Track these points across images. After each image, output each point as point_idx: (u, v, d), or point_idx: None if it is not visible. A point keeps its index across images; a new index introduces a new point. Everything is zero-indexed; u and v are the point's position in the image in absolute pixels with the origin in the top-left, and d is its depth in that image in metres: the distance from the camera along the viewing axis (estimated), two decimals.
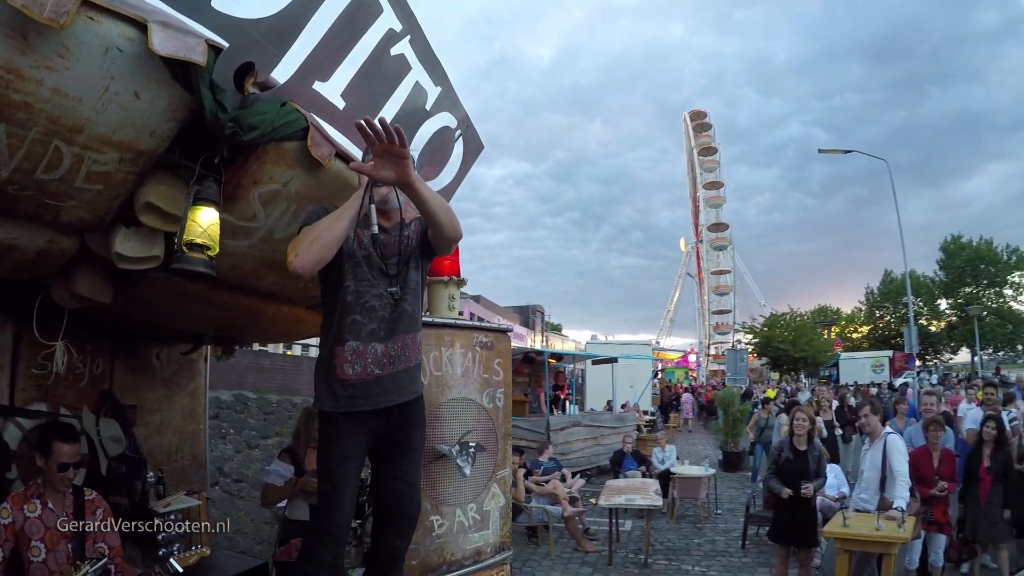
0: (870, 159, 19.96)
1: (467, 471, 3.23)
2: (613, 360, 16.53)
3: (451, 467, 3.25)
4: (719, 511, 9.42)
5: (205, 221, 1.94)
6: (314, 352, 18.54)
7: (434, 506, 3.15)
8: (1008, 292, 39.20)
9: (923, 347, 34.27)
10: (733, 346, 40.28)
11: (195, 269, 1.95)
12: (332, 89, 2.29)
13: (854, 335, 47.69)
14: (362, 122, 1.80)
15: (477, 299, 34.15)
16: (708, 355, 62.64)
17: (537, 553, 7.32)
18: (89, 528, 2.79)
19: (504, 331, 3.83)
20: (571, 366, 19.00)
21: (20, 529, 2.63)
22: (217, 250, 2.01)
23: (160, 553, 3.39)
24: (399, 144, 1.84)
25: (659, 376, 30.34)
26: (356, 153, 2.51)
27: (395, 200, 2.27)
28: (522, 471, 7.74)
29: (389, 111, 2.64)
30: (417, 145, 2.98)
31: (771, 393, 15.89)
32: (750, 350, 37.72)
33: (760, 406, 11.53)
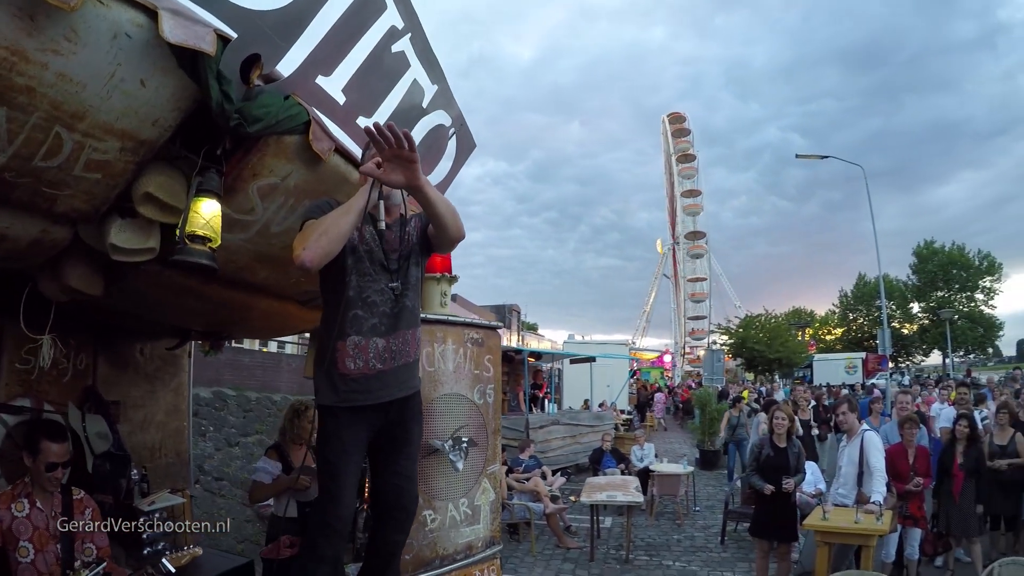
0: (845, 164, 20.35)
1: (460, 466, 3.23)
2: (591, 359, 16.65)
3: (443, 462, 3.25)
4: (697, 508, 9.56)
5: (207, 213, 1.92)
6: (290, 349, 18.54)
7: (427, 501, 3.16)
8: (979, 296, 40.24)
9: (896, 349, 35.07)
10: (708, 347, 40.70)
11: (197, 261, 1.93)
12: (333, 84, 2.30)
13: (827, 337, 48.56)
14: (371, 127, 1.82)
15: (453, 298, 34.04)
16: (684, 355, 63.23)
17: (519, 550, 7.35)
18: (78, 528, 2.74)
19: (494, 328, 3.85)
20: (549, 365, 19.10)
21: (7, 529, 2.57)
22: (219, 242, 2.00)
23: (145, 552, 3.34)
24: (409, 149, 1.85)
25: (636, 376, 30.57)
26: (354, 148, 2.52)
27: (398, 195, 2.27)
28: (503, 468, 7.77)
29: (387, 108, 2.66)
30: None
31: (744, 394, 16.15)
32: (725, 351, 38.17)
33: (732, 405, 11.69)
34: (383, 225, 2.13)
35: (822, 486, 6.71)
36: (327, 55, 2.10)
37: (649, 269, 76.72)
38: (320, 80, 2.20)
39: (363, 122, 2.61)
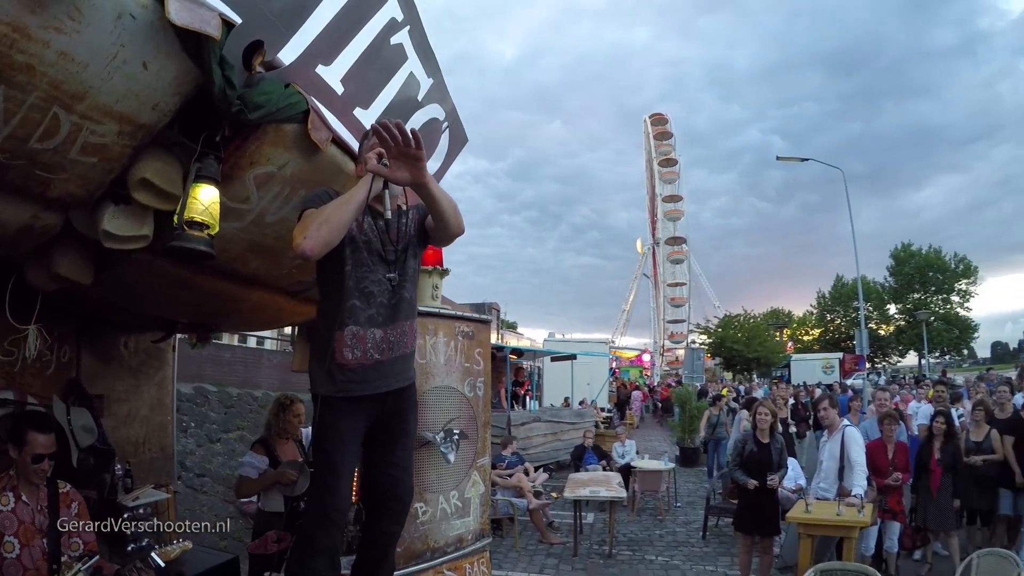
0: (825, 167, 20.69)
1: (451, 458, 3.25)
2: (572, 357, 16.72)
3: (435, 454, 3.26)
4: (678, 504, 9.65)
5: (206, 199, 1.91)
6: (269, 345, 18.36)
7: (418, 493, 3.15)
8: (955, 299, 40.81)
9: (872, 350, 35.59)
10: (688, 346, 41.10)
11: (195, 247, 1.91)
12: (332, 74, 2.29)
13: (805, 337, 49.20)
14: (379, 125, 1.82)
15: None
16: (663, 354, 63.72)
17: (503, 545, 7.36)
18: (64, 523, 2.68)
19: (485, 321, 3.86)
20: (530, 363, 19.15)
21: None
22: (217, 229, 1.98)
23: (129, 549, 3.29)
24: (415, 147, 1.86)
25: (615, 374, 30.76)
26: (350, 139, 2.51)
27: (398, 187, 2.27)
28: None
29: (383, 100, 2.66)
30: None
31: (724, 391, 16.35)
32: (705, 350, 38.55)
33: (712, 404, 11.79)
34: (388, 215, 2.13)
35: (802, 482, 6.82)
36: (328, 45, 2.10)
37: (629, 268, 77.12)
38: (320, 69, 2.20)
39: (360, 113, 2.62)
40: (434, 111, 3.16)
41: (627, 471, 9.44)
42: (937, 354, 40.55)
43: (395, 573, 2.66)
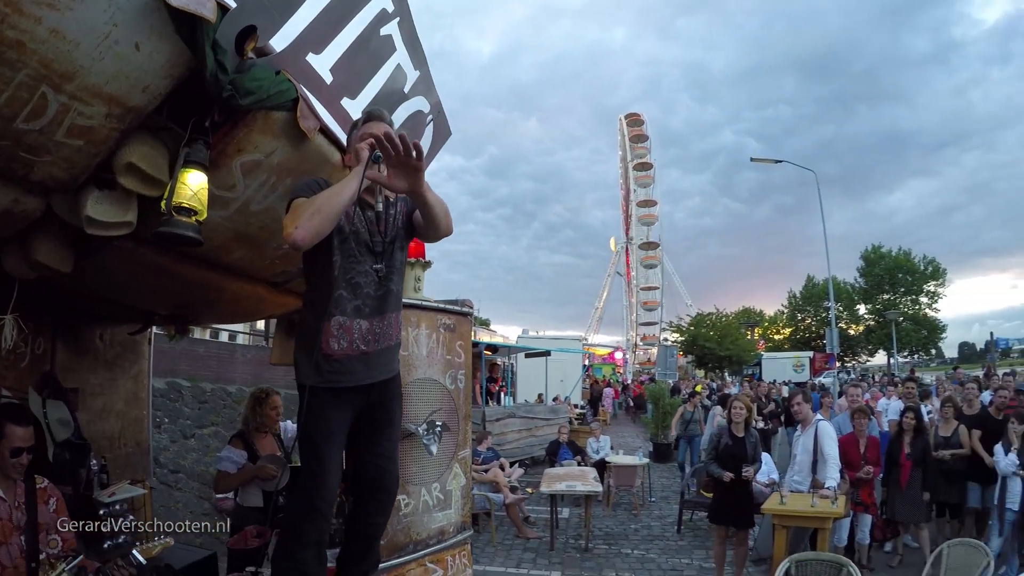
0: (798, 169, 21.07)
1: (434, 450, 3.25)
2: (546, 353, 16.79)
3: (416, 447, 3.26)
4: (653, 499, 9.76)
5: (194, 184, 1.89)
6: (242, 340, 18.12)
7: (401, 485, 3.14)
8: (923, 300, 41.89)
9: (842, 349, 36.38)
10: (661, 343, 41.46)
11: (184, 233, 1.89)
12: (321, 63, 2.29)
13: (776, 336, 50.03)
14: (380, 135, 1.84)
15: None
16: (635, 351, 64.25)
17: (479, 540, 7.38)
18: (42, 519, 2.62)
19: (466, 314, 3.87)
20: (504, 359, 19.19)
21: None
22: (205, 215, 1.96)
23: (105, 546, 3.23)
24: (416, 158, 1.88)
25: (588, 372, 30.97)
26: (336, 129, 2.51)
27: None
28: None
29: (370, 90, 2.66)
30: None
31: (699, 388, 16.54)
32: (678, 348, 38.98)
33: (687, 400, 11.92)
34: (380, 206, 2.14)
35: (775, 476, 6.96)
36: (319, 33, 2.10)
37: (602, 267, 77.48)
38: (310, 58, 2.20)
39: (347, 103, 2.62)
40: (419, 103, 3.17)
41: (602, 466, 9.53)
42: (906, 353, 41.54)
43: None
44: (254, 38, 1.82)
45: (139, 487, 3.91)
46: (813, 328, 45.31)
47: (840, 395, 11.66)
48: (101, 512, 3.47)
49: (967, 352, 56.78)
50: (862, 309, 44.03)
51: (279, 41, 2.01)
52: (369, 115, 2.31)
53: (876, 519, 5.87)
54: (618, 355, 52.57)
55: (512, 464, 9.63)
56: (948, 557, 4.05)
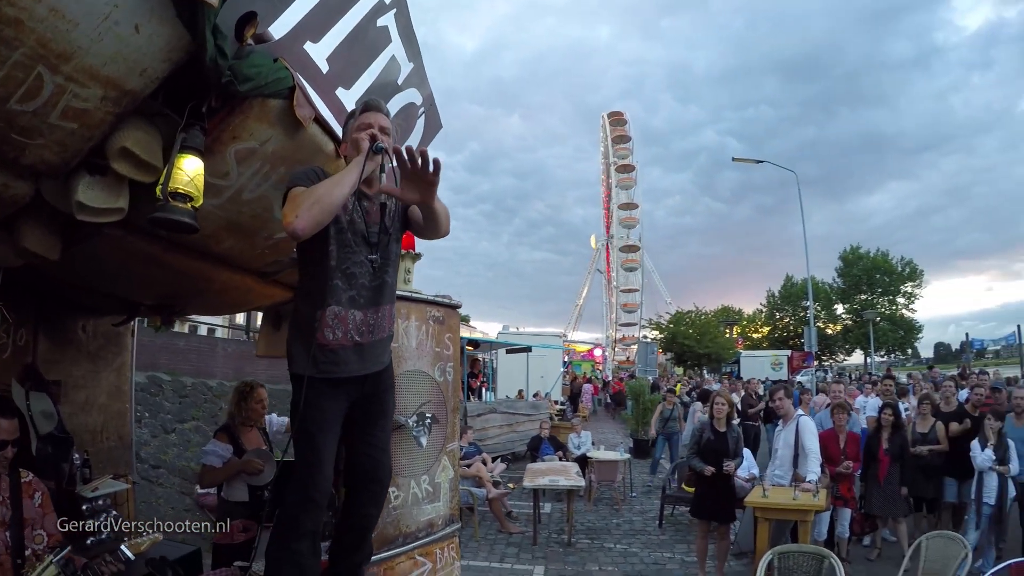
0: (778, 170, 21.30)
1: (423, 442, 3.25)
2: (527, 349, 16.84)
3: (406, 438, 3.26)
4: (634, 494, 9.85)
5: (190, 170, 1.87)
6: (220, 334, 17.88)
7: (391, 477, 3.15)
8: (900, 300, 42.60)
9: (820, 348, 36.88)
10: (641, 340, 41.78)
11: (179, 219, 1.87)
12: (318, 52, 2.28)
13: (754, 335, 50.62)
14: (401, 149, 1.86)
15: None
16: (615, 348, 64.54)
17: (463, 535, 7.33)
18: (28, 514, 2.57)
19: (454, 307, 3.87)
20: (485, 355, 19.20)
21: None
22: (201, 201, 1.94)
23: (88, 543, 3.18)
24: (433, 172, 1.90)
25: (569, 368, 31.12)
26: (331, 119, 2.50)
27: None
28: None
29: (364, 81, 2.66)
30: None
31: (679, 388, 16.73)
32: (657, 345, 39.31)
33: (665, 398, 11.98)
34: (383, 198, 2.15)
35: (755, 471, 7.06)
36: (318, 21, 2.10)
37: (583, 264, 77.56)
38: (307, 46, 2.18)
39: (342, 94, 2.61)
40: (412, 95, 3.16)
41: (583, 462, 9.59)
42: (882, 353, 42.19)
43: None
44: (254, 24, 1.81)
45: (122, 482, 3.86)
46: (791, 327, 45.93)
47: (818, 392, 11.83)
48: (84, 507, 3.43)
49: (943, 352, 57.94)
50: (840, 309, 44.69)
51: (278, 28, 1.99)
52: (366, 105, 2.31)
53: (855, 513, 5.99)
54: (597, 352, 52.84)
55: (494, 459, 9.65)
56: (927, 549, 4.15)
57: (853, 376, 26.51)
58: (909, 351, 44.71)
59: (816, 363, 29.08)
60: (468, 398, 13.08)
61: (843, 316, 44.39)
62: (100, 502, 3.55)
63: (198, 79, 1.83)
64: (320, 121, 2.38)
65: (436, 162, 1.89)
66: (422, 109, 3.30)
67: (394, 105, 3.06)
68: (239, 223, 2.66)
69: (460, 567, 3.65)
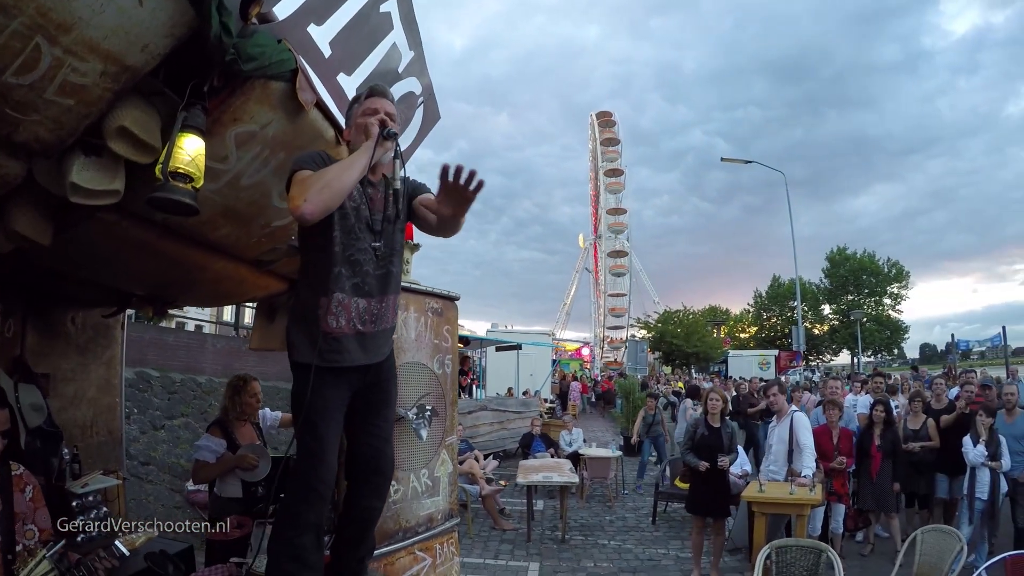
0: (766, 171, 21.46)
1: (424, 435, 3.20)
2: (517, 347, 16.83)
3: (405, 431, 3.21)
4: (625, 491, 9.85)
5: (191, 150, 1.81)
6: (208, 329, 17.69)
7: None
8: (887, 301, 42.77)
9: (806, 348, 37.14)
10: (629, 339, 41.90)
11: (179, 199, 1.81)
12: (321, 35, 2.24)
13: (742, 335, 50.89)
14: (449, 166, 1.83)
15: None
16: (603, 347, 64.67)
17: None
18: (18, 508, 2.49)
19: (453, 299, 3.83)
20: (474, 353, 19.19)
21: None
22: (202, 182, 1.89)
23: (79, 539, 3.11)
24: (474, 191, 1.89)
25: (556, 366, 31.16)
26: (331, 105, 2.45)
27: (388, 156, 2.22)
28: None
29: (365, 68, 2.61)
30: None
31: (680, 384, 16.76)
32: (647, 344, 39.42)
33: (646, 403, 11.73)
34: (398, 184, 2.11)
35: (748, 468, 7.09)
36: (322, 3, 2.06)
37: (570, 263, 77.59)
38: (311, 29, 2.14)
39: (343, 80, 2.56)
40: (412, 84, 3.12)
41: (575, 459, 9.59)
42: (869, 353, 42.49)
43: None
44: (259, 3, 1.76)
45: (112, 477, 3.78)
46: (778, 327, 46.17)
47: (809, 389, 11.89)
48: (74, 503, 3.35)
49: (928, 353, 58.60)
50: (827, 309, 44.99)
51: (282, 9, 1.95)
52: (372, 90, 2.28)
53: (849, 509, 6.01)
54: (585, 351, 52.92)
55: (485, 457, 9.63)
56: (922, 543, 4.17)
57: (840, 375, 26.68)
58: (895, 351, 45.08)
59: (803, 363, 29.30)
60: (458, 395, 13.03)
61: (830, 316, 44.70)
62: (90, 498, 3.47)
63: (201, 57, 1.78)
64: (321, 106, 2.34)
65: (480, 182, 1.87)
66: (421, 99, 3.26)
67: (394, 94, 3.02)
68: (236, 209, 2.60)
69: (460, 562, 3.61)
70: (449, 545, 3.52)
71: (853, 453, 5.99)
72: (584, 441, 10.97)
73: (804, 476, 5.13)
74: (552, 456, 9.84)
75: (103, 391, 4.14)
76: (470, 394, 15.01)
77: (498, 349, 17.94)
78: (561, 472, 7.71)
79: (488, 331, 30.99)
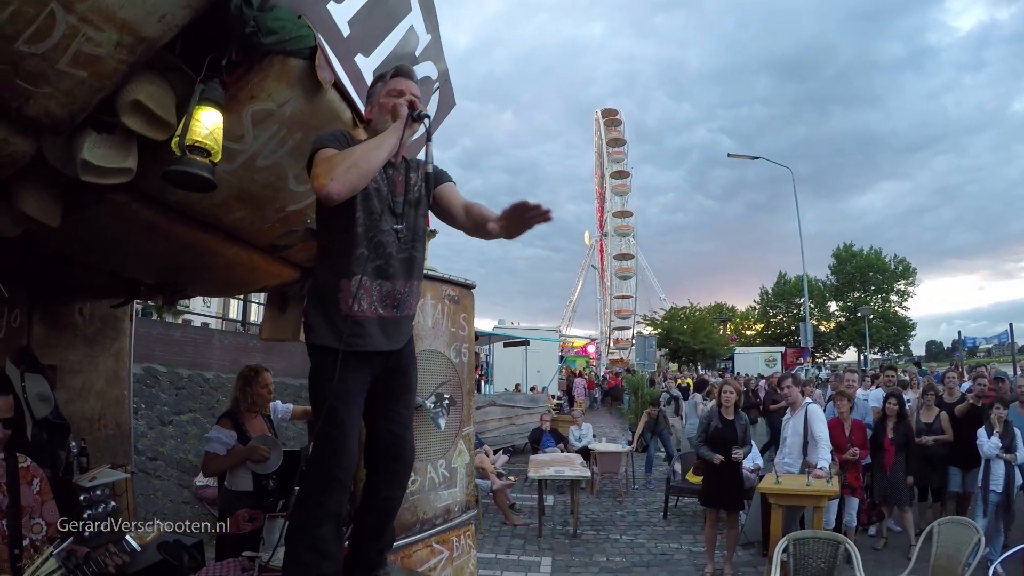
0: (771, 168, 21.40)
1: (442, 424, 3.14)
2: (525, 342, 16.78)
3: (423, 420, 3.14)
4: (636, 486, 9.78)
5: (209, 123, 1.76)
6: (214, 325, 17.68)
7: None
8: (893, 298, 42.81)
9: (813, 345, 36.97)
10: (636, 335, 41.79)
11: (197, 172, 1.75)
12: (340, 14, 2.19)
13: (748, 332, 50.73)
14: (528, 201, 1.81)
15: None
16: (608, 345, 64.52)
17: None
18: (25, 501, 2.42)
19: (469, 287, 3.77)
20: (482, 349, 19.17)
21: None
22: (220, 157, 1.83)
23: (86, 534, 3.05)
24: (536, 222, 1.87)
25: (564, 362, 31.12)
26: (348, 86, 2.39)
27: (408, 137, 2.16)
28: None
29: (383, 50, 2.55)
30: None
31: (688, 380, 16.69)
32: (655, 340, 39.29)
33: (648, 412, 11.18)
34: (430, 168, 2.08)
35: (759, 462, 7.01)
36: None
37: (576, 260, 77.28)
38: (331, 6, 2.08)
39: (360, 61, 2.50)
40: (428, 69, 3.05)
41: (585, 454, 9.53)
42: (876, 350, 42.34)
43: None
44: None
45: (120, 471, 3.73)
46: (785, 324, 46.04)
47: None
48: (82, 498, 3.29)
49: (934, 350, 58.26)
50: (833, 306, 44.85)
51: None
52: (397, 70, 2.22)
53: (863, 502, 5.94)
54: (591, 348, 52.79)
55: (495, 452, 9.58)
56: (939, 535, 4.11)
57: (855, 370, 26.56)
58: (902, 348, 44.96)
59: (810, 360, 29.19)
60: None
61: (836, 313, 44.56)
62: (98, 492, 3.42)
63: (219, 29, 1.71)
64: (339, 86, 2.28)
65: (546, 215, 1.85)
66: (437, 84, 3.19)
67: None
68: (251, 192, 2.54)
69: (476, 556, 3.55)
70: (466, 538, 3.46)
71: (867, 445, 5.92)
72: (594, 436, 10.90)
73: (820, 468, 5.06)
74: (562, 451, 9.79)
75: (111, 383, 4.09)
76: (478, 390, 15.03)
77: (506, 345, 17.89)
78: (572, 466, 7.66)
79: (495, 327, 30.97)
